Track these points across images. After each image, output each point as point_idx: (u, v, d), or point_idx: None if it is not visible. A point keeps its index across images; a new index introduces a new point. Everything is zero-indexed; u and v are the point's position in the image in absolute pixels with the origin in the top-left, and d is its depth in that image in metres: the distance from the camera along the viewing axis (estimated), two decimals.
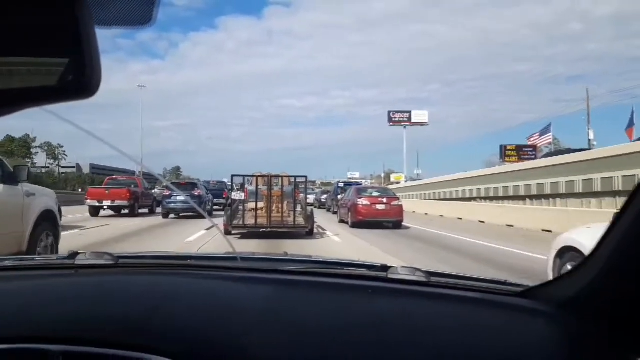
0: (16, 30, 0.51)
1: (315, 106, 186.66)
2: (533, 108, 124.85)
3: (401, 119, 61.22)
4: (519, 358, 0.86)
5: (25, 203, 6.18)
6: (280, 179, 13.37)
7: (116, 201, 19.54)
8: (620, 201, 0.99)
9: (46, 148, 71.69)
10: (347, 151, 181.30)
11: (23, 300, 1.05)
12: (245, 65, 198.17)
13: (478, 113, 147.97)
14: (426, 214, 25.39)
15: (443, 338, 0.91)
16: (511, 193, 24.45)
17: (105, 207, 19.79)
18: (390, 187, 33.40)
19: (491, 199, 26.43)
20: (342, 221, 16.91)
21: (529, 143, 43.98)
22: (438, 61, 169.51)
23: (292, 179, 13.75)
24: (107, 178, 23.09)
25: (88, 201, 19.86)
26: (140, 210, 21.03)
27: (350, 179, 66.32)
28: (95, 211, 19.76)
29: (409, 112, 61.78)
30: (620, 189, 15.99)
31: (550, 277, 4.31)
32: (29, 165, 54.56)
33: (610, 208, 14.71)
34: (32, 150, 67.48)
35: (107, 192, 19.87)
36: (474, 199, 28.17)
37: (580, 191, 18.65)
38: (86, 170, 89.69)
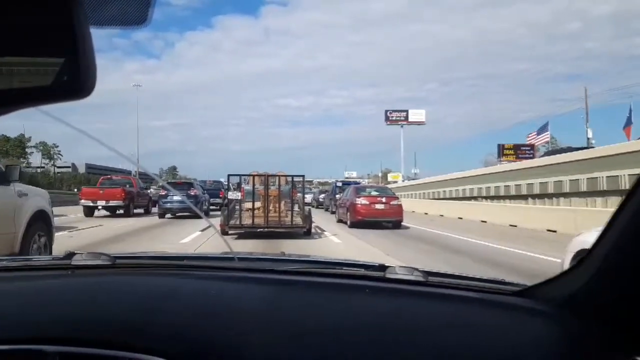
0: (11, 30, 0.51)
1: (312, 105, 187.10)
2: (531, 107, 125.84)
3: (398, 118, 61.41)
4: (517, 357, 0.86)
5: (18, 203, 6.12)
6: (277, 178, 13.25)
7: (111, 201, 19.38)
8: None
9: (41, 148, 71.47)
10: (344, 150, 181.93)
11: (19, 301, 1.04)
12: (242, 64, 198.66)
13: (475, 112, 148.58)
14: (426, 213, 25.30)
15: (441, 338, 0.91)
16: (513, 192, 24.29)
17: (99, 208, 19.64)
18: (388, 186, 33.24)
19: (492, 198, 26.34)
20: (340, 221, 16.85)
21: (527, 142, 44.00)
22: (435, 60, 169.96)
23: (289, 179, 13.62)
24: (102, 177, 22.93)
25: (82, 201, 19.72)
26: (135, 211, 20.89)
27: (347, 178, 66.40)
28: (89, 211, 19.61)
29: (406, 111, 62.05)
30: (627, 187, 15.69)
31: None
32: (24, 165, 54.46)
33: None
34: (27, 150, 67.20)
35: (101, 192, 19.75)
36: (475, 198, 28.07)
37: (585, 190, 18.47)
38: (82, 170, 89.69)
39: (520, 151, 43.10)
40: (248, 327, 0.91)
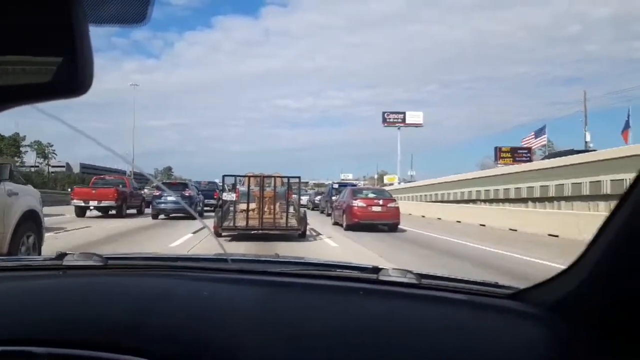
0: (9, 28, 0.51)
1: (311, 107, 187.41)
2: (528, 110, 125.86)
3: (395, 120, 61.59)
4: (507, 359, 0.87)
5: (7, 203, 6.06)
6: (272, 179, 13.12)
7: (103, 201, 19.19)
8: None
9: (36, 147, 71.14)
10: (340, 152, 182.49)
11: (9, 301, 1.04)
12: (241, 65, 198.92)
13: (473, 115, 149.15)
14: (423, 216, 25.26)
15: (433, 340, 0.92)
16: (512, 195, 24.09)
17: (91, 208, 19.44)
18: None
19: (491, 201, 26.16)
20: (336, 223, 16.77)
21: (523, 145, 44.02)
22: (434, 62, 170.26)
23: (285, 180, 13.52)
24: (94, 177, 22.72)
25: (74, 201, 19.50)
26: (128, 211, 20.71)
27: (343, 180, 66.20)
28: (81, 212, 19.42)
29: (404, 113, 62.27)
30: None
31: None
32: (17, 163, 54.18)
33: None
34: (21, 149, 66.79)
35: (93, 191, 19.56)
36: (473, 201, 27.90)
37: (588, 193, 18.21)
38: (76, 169, 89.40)
39: (517, 154, 43.22)
40: (241, 328, 0.92)
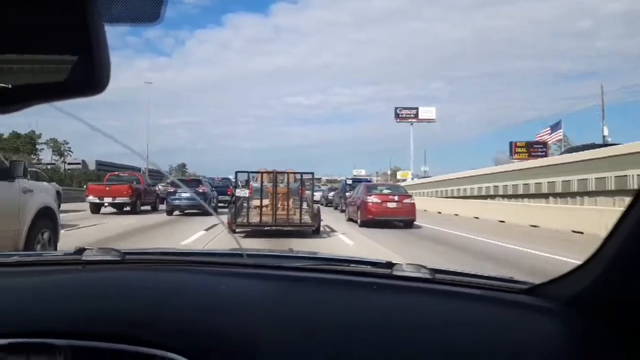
0: (27, 28, 0.53)
1: (322, 103, 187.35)
2: (541, 105, 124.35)
3: (408, 115, 61.30)
4: (522, 355, 0.87)
5: (22, 200, 6.09)
6: (285, 175, 13.07)
7: (117, 198, 19.38)
8: None
9: (52, 144, 72.19)
10: (353, 148, 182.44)
11: (31, 295, 1.07)
12: (252, 62, 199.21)
13: (486, 110, 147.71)
14: (439, 212, 24.96)
15: (448, 335, 0.92)
16: (532, 191, 23.43)
17: (106, 205, 19.64)
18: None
19: (509, 197, 25.59)
20: (350, 220, 16.69)
21: (538, 139, 43.46)
22: (444, 58, 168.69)
23: (298, 176, 13.47)
24: (109, 174, 22.90)
25: (88, 198, 19.70)
26: (142, 208, 20.95)
27: (356, 176, 66.08)
28: (96, 208, 19.64)
29: (416, 108, 62.02)
30: None
31: None
32: (34, 161, 54.90)
33: None
34: (37, 146, 67.80)
35: (107, 188, 19.75)
36: (491, 196, 27.38)
37: (613, 188, 17.54)
38: (92, 166, 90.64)
39: (533, 149, 42.57)
40: (257, 322, 0.93)
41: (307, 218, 12.15)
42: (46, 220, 6.49)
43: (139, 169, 45.96)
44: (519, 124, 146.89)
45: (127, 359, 0.85)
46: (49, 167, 61.71)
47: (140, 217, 17.50)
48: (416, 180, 48.45)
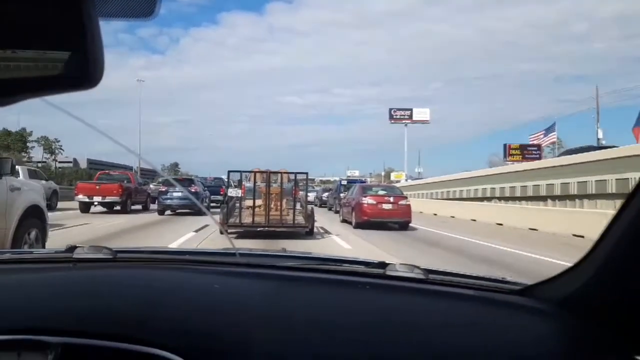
0: (21, 21, 0.52)
1: (316, 104, 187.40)
2: (534, 108, 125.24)
3: (402, 117, 61.61)
4: (515, 355, 0.88)
5: (9, 198, 6.00)
6: (279, 175, 12.94)
7: (107, 197, 19.16)
8: None
9: (43, 142, 71.63)
10: (346, 149, 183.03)
11: (22, 293, 1.08)
12: (246, 61, 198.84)
13: (480, 112, 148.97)
14: (435, 214, 24.90)
15: (440, 335, 0.93)
16: (530, 193, 23.27)
17: (95, 204, 19.42)
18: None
19: (507, 199, 25.50)
20: (344, 221, 16.63)
21: (531, 142, 43.60)
22: (440, 60, 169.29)
23: (292, 176, 13.37)
24: (99, 172, 22.65)
25: (78, 197, 19.47)
26: (133, 207, 20.77)
27: (349, 177, 66.03)
28: (85, 207, 19.43)
29: (410, 109, 62.33)
30: None
31: None
32: (25, 159, 54.45)
33: None
34: (28, 144, 67.26)
35: (97, 187, 19.53)
36: (488, 199, 27.30)
37: (613, 191, 17.31)
38: (83, 165, 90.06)
39: (527, 151, 42.79)
40: (249, 321, 0.94)
41: (300, 219, 12.07)
42: (34, 220, 6.39)
43: (131, 168, 45.75)
44: (513, 127, 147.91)
45: (118, 357, 0.85)
46: (39, 165, 61.17)
47: (130, 217, 17.32)
48: (410, 182, 48.43)
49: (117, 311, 0.96)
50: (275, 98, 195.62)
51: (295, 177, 13.44)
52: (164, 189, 19.05)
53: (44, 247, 6.53)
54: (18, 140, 64.30)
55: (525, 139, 46.41)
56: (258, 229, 11.37)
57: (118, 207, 19.62)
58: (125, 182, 20.35)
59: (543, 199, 22.11)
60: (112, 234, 11.73)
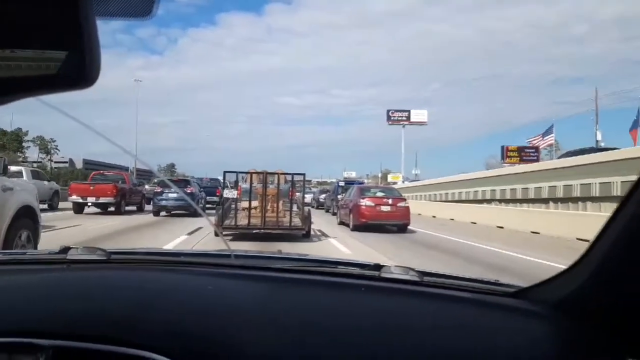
0: (16, 21, 0.52)
1: (314, 104, 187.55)
2: (532, 110, 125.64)
3: (400, 118, 61.70)
4: (510, 357, 0.88)
5: (1, 198, 5.91)
6: (276, 176, 12.83)
7: (101, 198, 19.02)
8: None
9: (38, 142, 71.40)
10: (343, 150, 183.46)
11: (14, 294, 1.07)
12: (244, 62, 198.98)
13: (477, 114, 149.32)
14: (434, 216, 24.75)
15: (435, 337, 0.93)
16: (532, 195, 23.07)
17: (89, 204, 19.30)
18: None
19: (507, 201, 25.32)
20: (342, 223, 16.53)
21: (529, 144, 43.64)
22: (439, 60, 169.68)
23: (289, 177, 13.26)
24: (93, 173, 22.51)
25: (71, 197, 19.32)
26: (128, 208, 20.66)
27: (346, 178, 65.98)
28: (79, 208, 19.30)
29: (408, 111, 62.53)
30: None
31: None
32: (20, 159, 54.24)
33: None
34: (24, 144, 67.03)
35: (91, 187, 19.40)
36: (487, 201, 27.17)
37: (618, 194, 16.97)
38: (79, 165, 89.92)
39: (525, 153, 43.00)
40: (244, 323, 0.93)
41: (297, 221, 11.99)
42: (26, 220, 6.31)
43: (127, 169, 45.61)
44: (510, 129, 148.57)
45: None
46: (35, 165, 60.97)
47: (124, 218, 17.18)
48: (407, 184, 48.36)
49: (109, 313, 0.96)
50: (273, 99, 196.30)
51: (292, 178, 13.36)
52: (159, 190, 18.95)
53: (36, 248, 6.42)
54: (14, 140, 64.06)
55: (522, 141, 46.62)
56: (254, 231, 11.24)
57: (112, 208, 19.48)
58: (119, 182, 20.24)
59: (545, 201, 21.95)
60: (105, 235, 11.59)
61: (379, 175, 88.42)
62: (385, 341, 0.89)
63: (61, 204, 21.37)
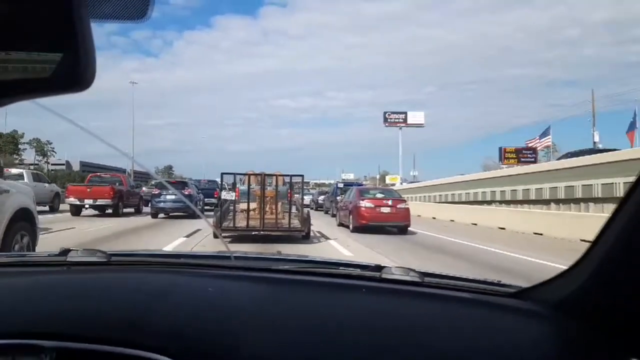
0: (10, 22, 0.52)
1: (310, 107, 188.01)
2: (528, 112, 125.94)
3: (397, 120, 61.80)
4: (511, 357, 0.88)
5: None
6: (274, 178, 12.76)
7: (98, 200, 18.97)
8: None
9: (35, 144, 71.21)
10: (341, 152, 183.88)
11: (15, 296, 1.08)
12: (240, 64, 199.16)
13: (474, 116, 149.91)
14: (434, 218, 24.66)
15: (436, 338, 0.93)
16: (533, 196, 22.92)
17: (86, 207, 19.23)
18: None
19: (508, 202, 25.15)
20: (341, 225, 16.48)
21: (528, 145, 43.73)
22: (434, 63, 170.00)
23: (287, 179, 13.18)
24: (90, 175, 22.45)
25: (68, 199, 19.30)
26: (125, 210, 20.62)
27: (344, 179, 65.95)
28: (76, 210, 19.26)
29: (405, 113, 62.80)
30: None
31: None
32: (16, 161, 54.07)
33: None
34: (20, 146, 66.85)
35: (88, 190, 19.34)
36: (488, 202, 27.02)
37: (621, 195, 16.87)
38: (76, 167, 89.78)
39: (522, 155, 43.09)
40: (244, 325, 0.94)
41: (296, 222, 11.96)
42: (23, 223, 6.27)
43: (124, 171, 45.51)
44: (506, 131, 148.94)
45: None
46: (31, 167, 60.81)
47: (121, 220, 17.15)
48: (405, 185, 48.33)
49: (111, 315, 0.96)
50: (269, 101, 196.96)
51: (291, 179, 13.31)
52: (157, 192, 18.92)
53: (34, 251, 6.40)
54: (10, 142, 63.86)
55: (518, 143, 46.68)
56: (253, 233, 11.14)
57: (109, 210, 19.45)
58: (117, 184, 20.19)
59: (546, 202, 21.84)
60: (103, 237, 11.53)
61: (377, 176, 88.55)
62: (387, 342, 0.89)
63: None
